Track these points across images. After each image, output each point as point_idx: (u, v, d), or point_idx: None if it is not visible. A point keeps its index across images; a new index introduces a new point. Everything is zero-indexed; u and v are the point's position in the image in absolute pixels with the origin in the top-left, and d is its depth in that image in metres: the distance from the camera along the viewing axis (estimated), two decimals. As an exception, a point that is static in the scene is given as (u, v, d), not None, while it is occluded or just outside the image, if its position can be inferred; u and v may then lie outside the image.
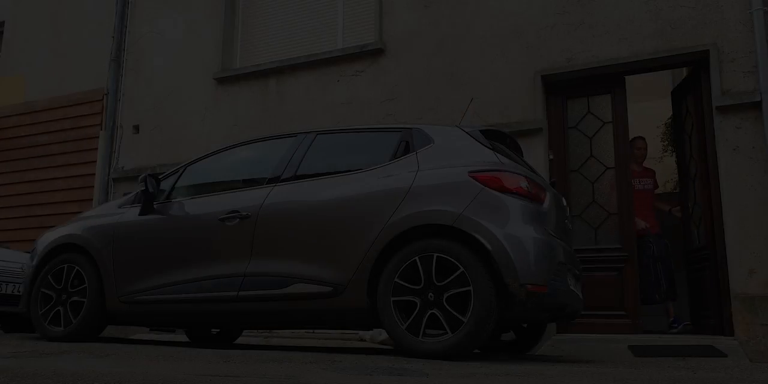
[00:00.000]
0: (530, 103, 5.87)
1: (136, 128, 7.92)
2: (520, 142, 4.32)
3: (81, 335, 4.06)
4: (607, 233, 5.65)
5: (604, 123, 5.85)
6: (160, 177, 4.25)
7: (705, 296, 5.31)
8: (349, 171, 3.65)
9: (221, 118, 7.40)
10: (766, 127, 4.97)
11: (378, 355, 3.38)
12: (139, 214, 4.13)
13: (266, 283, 3.58)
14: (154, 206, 4.14)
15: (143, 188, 4.07)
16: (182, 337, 5.84)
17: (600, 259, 5.49)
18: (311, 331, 5.95)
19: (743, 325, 4.80)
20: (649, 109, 8.44)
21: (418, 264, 3.17)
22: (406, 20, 6.63)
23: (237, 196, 3.91)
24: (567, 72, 5.81)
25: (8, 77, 9.00)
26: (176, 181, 4.27)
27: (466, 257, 3.08)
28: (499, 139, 3.80)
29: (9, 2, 9.34)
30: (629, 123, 5.80)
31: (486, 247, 3.09)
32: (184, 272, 3.86)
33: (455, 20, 6.37)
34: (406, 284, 3.18)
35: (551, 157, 5.83)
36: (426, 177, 3.35)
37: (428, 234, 3.24)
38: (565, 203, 4.04)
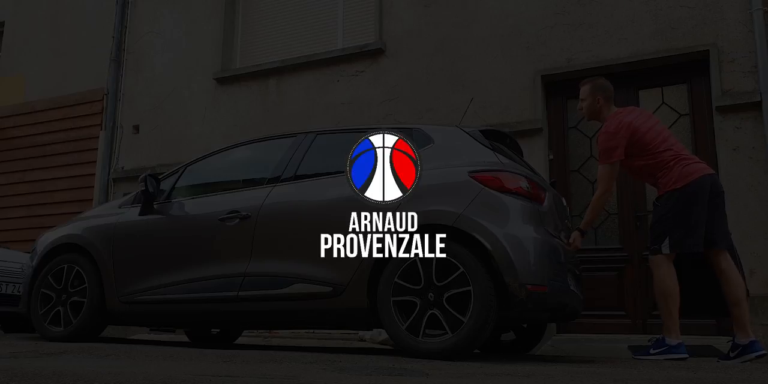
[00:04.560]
0: (530, 103, 5.87)
1: (136, 128, 7.92)
2: (520, 142, 4.32)
3: (81, 335, 4.06)
4: (607, 233, 5.65)
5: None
6: (160, 177, 4.25)
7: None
8: (349, 171, 3.65)
9: (221, 118, 7.40)
10: (766, 127, 4.97)
11: (378, 355, 3.38)
12: (139, 214, 4.13)
13: (266, 283, 3.58)
14: (154, 206, 4.13)
15: (143, 188, 4.06)
16: (182, 337, 5.84)
17: (600, 259, 5.49)
18: (311, 331, 5.95)
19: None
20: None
21: (418, 264, 3.17)
22: (406, 20, 6.63)
23: (237, 196, 3.90)
24: (567, 72, 5.81)
25: (8, 77, 9.01)
26: (176, 181, 4.27)
27: (466, 257, 3.08)
28: (499, 139, 3.80)
29: (9, 2, 9.34)
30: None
31: (486, 247, 3.08)
32: (184, 272, 3.86)
33: (455, 20, 6.37)
34: (406, 284, 3.18)
35: (551, 157, 5.83)
36: (426, 177, 3.34)
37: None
38: (565, 203, 4.04)
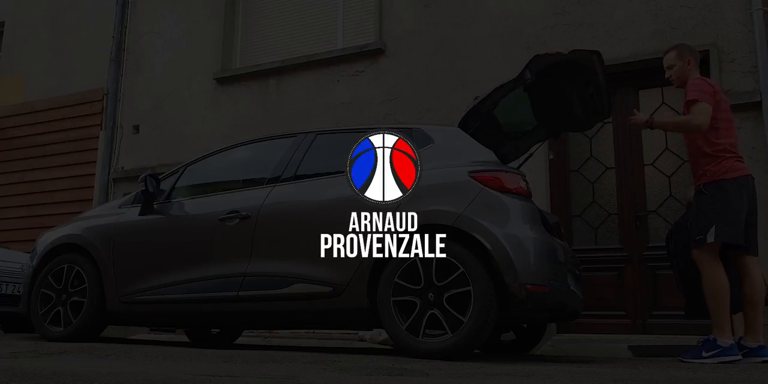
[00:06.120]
0: (530, 103, 5.86)
1: (136, 128, 7.92)
2: (520, 142, 4.33)
3: (81, 335, 4.06)
4: (607, 233, 5.65)
5: (604, 123, 5.85)
6: (160, 177, 4.25)
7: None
8: (349, 171, 3.65)
9: (221, 118, 7.40)
10: (766, 127, 4.97)
11: (378, 355, 3.39)
12: (139, 214, 4.12)
13: (266, 283, 3.58)
14: (154, 206, 4.13)
15: (143, 188, 4.06)
16: (182, 337, 5.84)
17: (600, 259, 5.49)
18: (311, 331, 5.95)
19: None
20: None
21: (418, 264, 3.17)
22: (406, 20, 6.63)
23: (237, 196, 3.90)
24: (567, 72, 5.80)
25: (8, 77, 9.01)
26: (176, 181, 4.27)
27: (466, 257, 3.09)
28: None
29: (9, 2, 9.34)
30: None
31: (486, 247, 3.09)
32: (184, 272, 3.86)
33: (455, 20, 6.37)
34: (406, 284, 3.18)
35: (551, 157, 5.83)
36: (426, 177, 3.35)
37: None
38: None
